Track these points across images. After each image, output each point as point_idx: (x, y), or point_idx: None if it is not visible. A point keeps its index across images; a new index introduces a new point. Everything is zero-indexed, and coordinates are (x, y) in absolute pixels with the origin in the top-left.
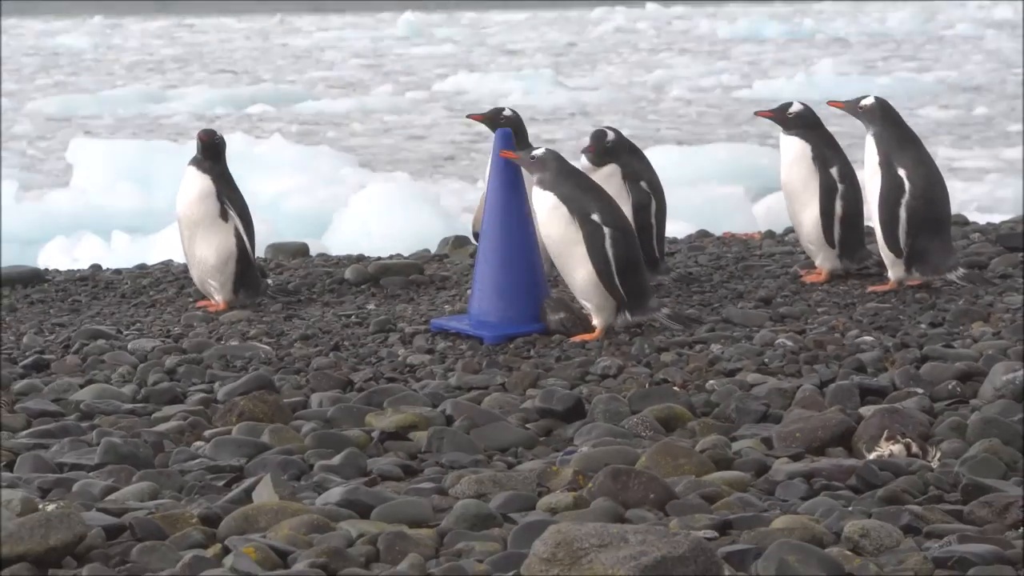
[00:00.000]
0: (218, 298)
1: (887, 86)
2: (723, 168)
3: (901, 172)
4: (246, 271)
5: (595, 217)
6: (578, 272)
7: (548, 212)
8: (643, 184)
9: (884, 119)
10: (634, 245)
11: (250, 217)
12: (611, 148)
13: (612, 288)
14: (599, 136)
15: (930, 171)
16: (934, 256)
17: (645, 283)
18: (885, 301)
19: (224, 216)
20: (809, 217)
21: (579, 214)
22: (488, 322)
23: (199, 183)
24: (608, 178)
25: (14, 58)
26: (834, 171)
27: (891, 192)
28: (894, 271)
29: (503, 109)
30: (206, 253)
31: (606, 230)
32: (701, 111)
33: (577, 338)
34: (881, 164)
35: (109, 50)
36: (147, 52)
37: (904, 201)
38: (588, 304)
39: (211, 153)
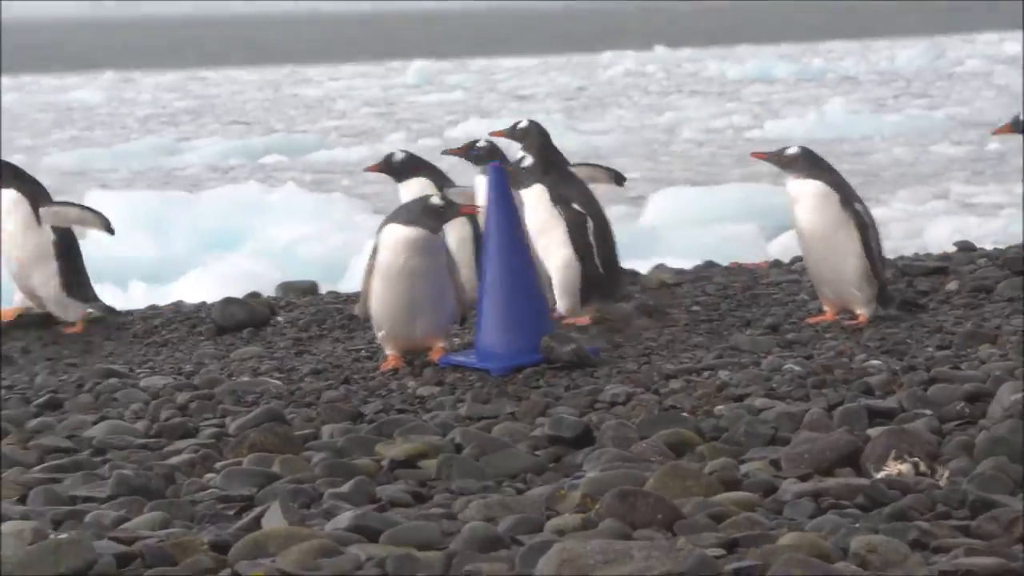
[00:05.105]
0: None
1: (898, 124)
2: (737, 208)
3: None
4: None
5: (859, 207)
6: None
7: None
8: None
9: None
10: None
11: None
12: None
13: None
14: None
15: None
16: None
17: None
18: (893, 326)
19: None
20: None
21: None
22: (494, 353)
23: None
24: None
25: (29, 114)
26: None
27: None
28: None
29: (477, 140)
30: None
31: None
32: (713, 152)
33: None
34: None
35: (122, 104)
36: (160, 105)
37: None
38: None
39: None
